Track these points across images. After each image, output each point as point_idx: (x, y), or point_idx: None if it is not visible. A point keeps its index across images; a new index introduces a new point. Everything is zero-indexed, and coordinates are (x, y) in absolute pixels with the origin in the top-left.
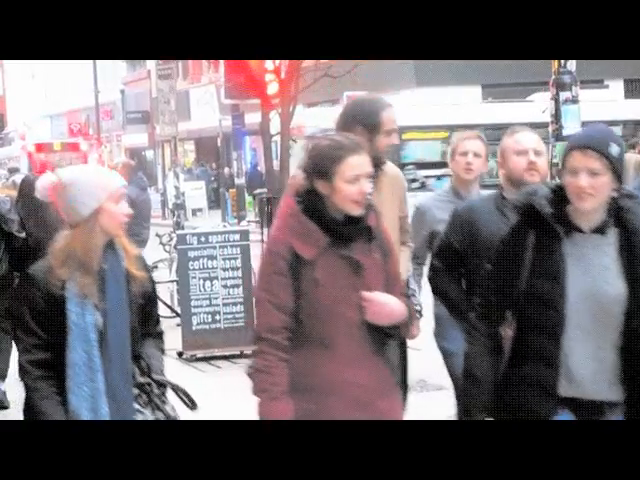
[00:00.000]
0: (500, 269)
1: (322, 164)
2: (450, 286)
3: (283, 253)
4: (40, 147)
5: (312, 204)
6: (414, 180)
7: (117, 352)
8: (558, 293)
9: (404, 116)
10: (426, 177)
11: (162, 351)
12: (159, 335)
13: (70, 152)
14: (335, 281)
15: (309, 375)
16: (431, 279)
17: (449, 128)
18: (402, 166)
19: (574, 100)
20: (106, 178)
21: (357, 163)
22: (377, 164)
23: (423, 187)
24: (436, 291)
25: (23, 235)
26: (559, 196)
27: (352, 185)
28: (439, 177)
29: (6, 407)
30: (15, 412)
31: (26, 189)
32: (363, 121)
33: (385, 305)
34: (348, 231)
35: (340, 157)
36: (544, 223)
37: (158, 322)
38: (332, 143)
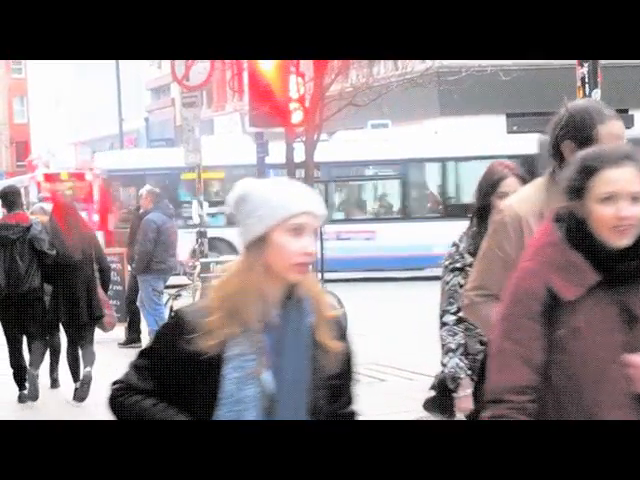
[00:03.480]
0: None
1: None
2: None
3: (538, 292)
4: (48, 177)
5: (577, 231)
6: None
7: None
8: None
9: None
10: None
11: None
12: (350, 416)
13: (77, 181)
14: (601, 333)
15: None
16: None
17: None
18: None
19: None
20: (288, 198)
21: (615, 178)
22: None
23: None
24: None
25: (53, 253)
26: None
27: (606, 206)
28: None
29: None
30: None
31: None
32: (573, 134)
33: None
34: (624, 269)
35: (595, 170)
36: None
37: (350, 402)
38: (591, 153)
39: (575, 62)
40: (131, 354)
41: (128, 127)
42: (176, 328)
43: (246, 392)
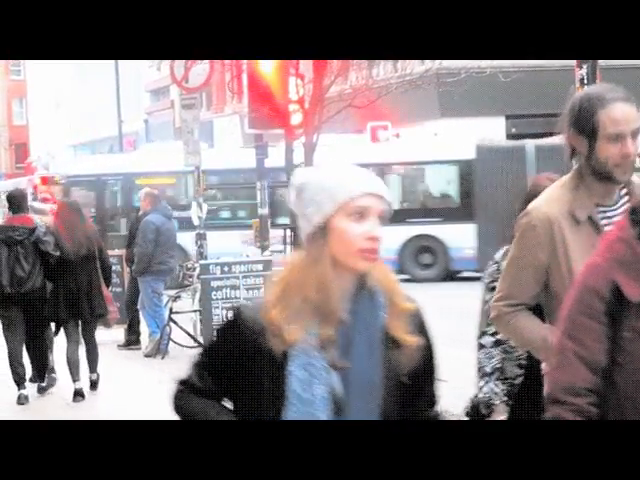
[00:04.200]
0: None
1: None
2: None
3: (601, 290)
4: (45, 180)
5: None
6: None
7: None
8: None
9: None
10: None
11: None
12: (431, 419)
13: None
14: None
15: None
16: None
17: None
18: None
19: None
20: (347, 180)
21: None
22: (608, 178)
23: None
24: None
25: (57, 254)
26: None
27: None
28: None
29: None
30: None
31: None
32: (576, 124)
33: None
34: None
35: None
36: None
37: (431, 403)
38: None
39: (574, 63)
40: (130, 355)
41: (127, 129)
42: (236, 324)
43: (314, 392)
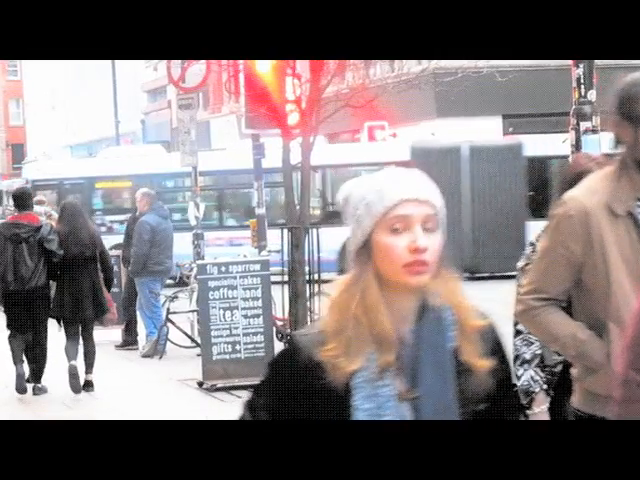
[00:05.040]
0: None
1: None
2: None
3: None
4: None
5: None
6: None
7: None
8: None
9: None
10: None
11: None
12: None
13: None
14: None
15: None
16: None
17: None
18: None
19: (594, 130)
20: (383, 190)
21: None
22: None
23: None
24: None
25: (62, 252)
26: None
27: None
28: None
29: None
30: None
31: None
32: (621, 110)
33: None
34: None
35: None
36: None
37: None
38: None
39: (571, 63)
40: (128, 356)
41: (124, 129)
42: (291, 358)
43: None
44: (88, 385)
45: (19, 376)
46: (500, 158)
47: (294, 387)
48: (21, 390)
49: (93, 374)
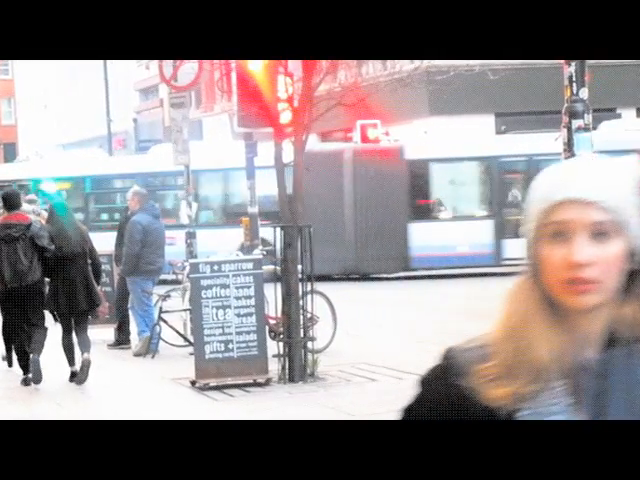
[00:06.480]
0: None
1: None
2: None
3: None
4: None
5: None
6: None
7: None
8: None
9: None
10: None
11: None
12: None
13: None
14: None
15: None
16: None
17: None
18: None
19: (586, 128)
20: (545, 189)
21: None
22: None
23: None
24: None
25: (52, 248)
26: None
27: None
28: None
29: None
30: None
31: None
32: None
33: None
34: None
35: None
36: None
37: None
38: None
39: (562, 61)
40: (120, 355)
41: (116, 128)
42: (446, 374)
43: None
44: (84, 365)
45: (35, 362)
46: (382, 161)
47: (447, 408)
48: (37, 380)
49: (90, 354)
